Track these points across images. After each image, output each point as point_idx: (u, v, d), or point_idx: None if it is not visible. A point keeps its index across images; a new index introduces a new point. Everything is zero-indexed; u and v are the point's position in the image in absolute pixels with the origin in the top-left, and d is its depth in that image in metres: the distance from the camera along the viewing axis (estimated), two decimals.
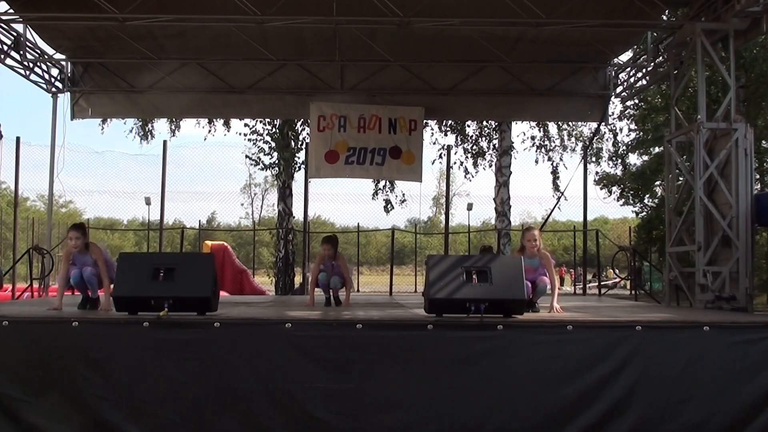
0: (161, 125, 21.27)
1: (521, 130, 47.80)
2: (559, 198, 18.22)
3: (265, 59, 12.02)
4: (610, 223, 49.31)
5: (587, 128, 21.41)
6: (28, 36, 11.32)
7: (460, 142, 21.07)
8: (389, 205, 20.53)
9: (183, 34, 11.31)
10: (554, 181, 21.72)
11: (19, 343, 5.95)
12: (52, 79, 12.40)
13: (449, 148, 17.48)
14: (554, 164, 21.70)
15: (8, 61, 11.12)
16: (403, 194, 20.92)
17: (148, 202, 26.74)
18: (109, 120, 19.33)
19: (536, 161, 21.91)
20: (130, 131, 20.87)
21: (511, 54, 11.83)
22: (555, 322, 6.20)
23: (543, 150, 21.67)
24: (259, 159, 20.15)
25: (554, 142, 21.77)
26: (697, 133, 9.01)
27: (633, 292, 14.74)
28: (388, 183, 20.37)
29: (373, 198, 20.68)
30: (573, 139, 21.79)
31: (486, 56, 11.87)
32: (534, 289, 7.37)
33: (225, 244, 19.73)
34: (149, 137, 21.03)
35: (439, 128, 20.83)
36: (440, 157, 20.78)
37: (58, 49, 12.03)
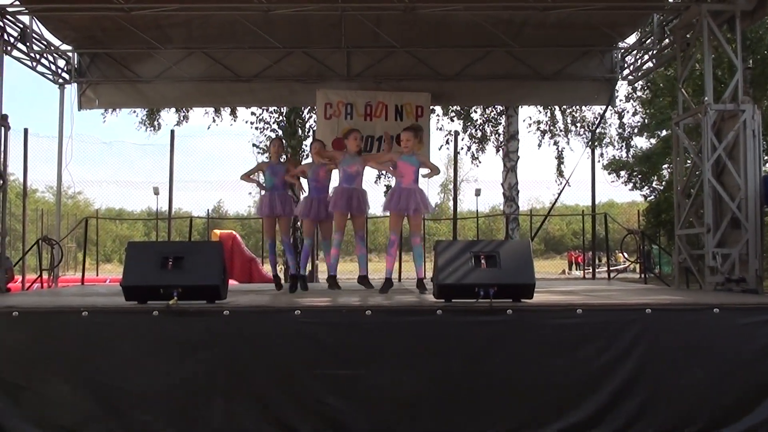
0: (169, 115, 21.09)
1: (527, 115, 47.82)
2: (564, 184, 18.15)
3: (271, 47, 12.00)
4: (618, 207, 49.15)
5: (590, 113, 21.30)
6: (34, 27, 11.29)
7: (467, 128, 20.96)
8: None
9: (188, 23, 11.28)
10: (558, 167, 21.58)
11: (29, 333, 6.00)
12: (59, 70, 12.38)
13: (456, 133, 17.31)
14: (560, 149, 21.60)
15: (15, 52, 11.09)
16: None
17: (156, 191, 26.77)
18: (117, 110, 19.32)
19: (539, 145, 21.75)
20: (141, 123, 20.81)
21: (516, 38, 11.77)
22: (564, 306, 6.21)
23: (548, 135, 21.52)
24: (267, 147, 20.10)
25: (560, 127, 21.61)
26: (704, 114, 8.97)
27: (642, 275, 14.73)
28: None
29: (375, 183, 20.58)
30: (577, 126, 21.61)
31: (492, 41, 11.80)
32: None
33: (234, 232, 19.75)
34: (157, 127, 20.99)
35: (445, 113, 20.71)
36: (447, 143, 20.70)
37: (64, 40, 12.01)
